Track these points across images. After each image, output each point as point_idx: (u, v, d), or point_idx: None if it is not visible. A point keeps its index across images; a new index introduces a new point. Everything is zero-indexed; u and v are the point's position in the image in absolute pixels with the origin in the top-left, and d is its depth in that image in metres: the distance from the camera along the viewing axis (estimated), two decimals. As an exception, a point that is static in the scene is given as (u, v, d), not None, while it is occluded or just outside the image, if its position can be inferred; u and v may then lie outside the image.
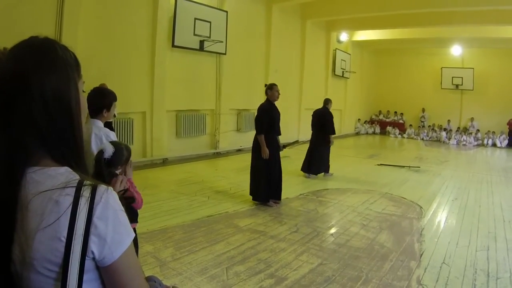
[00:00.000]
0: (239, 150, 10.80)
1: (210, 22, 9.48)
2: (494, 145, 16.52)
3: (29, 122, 0.79)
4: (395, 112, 20.37)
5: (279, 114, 5.76)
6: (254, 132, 5.68)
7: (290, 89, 13.09)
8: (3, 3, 5.80)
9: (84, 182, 0.79)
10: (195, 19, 9.16)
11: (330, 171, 8.05)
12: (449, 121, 18.37)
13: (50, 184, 0.78)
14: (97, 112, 2.67)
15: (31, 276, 0.76)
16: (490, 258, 3.98)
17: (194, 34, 9.20)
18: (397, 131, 19.25)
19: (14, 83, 0.78)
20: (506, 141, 16.36)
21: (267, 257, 3.80)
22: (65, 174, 0.81)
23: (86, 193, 0.77)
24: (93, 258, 0.78)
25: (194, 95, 9.73)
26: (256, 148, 5.63)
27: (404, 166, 9.52)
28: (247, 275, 3.38)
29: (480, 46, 16.90)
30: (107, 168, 2.18)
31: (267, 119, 5.54)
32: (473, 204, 6.23)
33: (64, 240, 0.75)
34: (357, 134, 19.33)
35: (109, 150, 2.16)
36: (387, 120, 20.40)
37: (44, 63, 0.81)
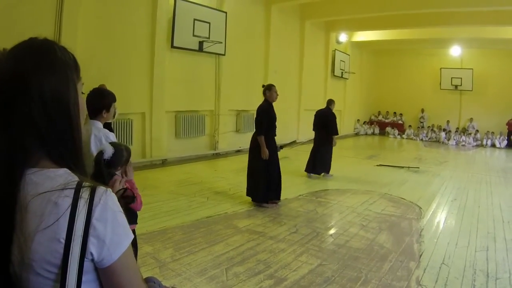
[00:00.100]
0: (238, 151, 10.80)
1: (209, 23, 9.48)
2: (493, 145, 16.53)
3: (28, 122, 0.79)
4: (394, 113, 20.38)
5: (276, 115, 5.78)
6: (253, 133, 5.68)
7: (289, 89, 13.09)
8: (3, 3, 5.80)
9: (83, 183, 0.79)
10: (194, 20, 9.16)
11: (330, 172, 8.06)
12: (448, 121, 18.39)
13: (49, 185, 0.78)
14: (97, 113, 2.67)
15: (30, 277, 0.76)
16: (489, 258, 3.98)
17: (193, 35, 9.20)
18: (396, 131, 19.26)
19: (13, 83, 0.78)
20: (505, 142, 16.38)
21: (267, 257, 3.80)
22: (64, 176, 0.81)
23: (85, 194, 0.78)
24: (92, 260, 0.78)
25: (194, 96, 9.73)
26: (254, 149, 5.62)
27: (403, 167, 9.53)
28: (246, 275, 3.38)
29: (479, 47, 16.91)
30: (107, 169, 2.18)
31: (267, 120, 5.55)
32: (472, 205, 6.24)
33: (63, 241, 0.75)
34: (356, 134, 19.34)
35: (109, 151, 2.16)
36: (387, 120, 20.41)
37: (43, 64, 0.81)
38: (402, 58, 19.80)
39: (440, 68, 18.67)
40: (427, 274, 3.53)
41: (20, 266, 0.76)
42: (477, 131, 17.32)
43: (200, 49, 9.42)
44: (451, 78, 18.38)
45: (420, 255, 3.99)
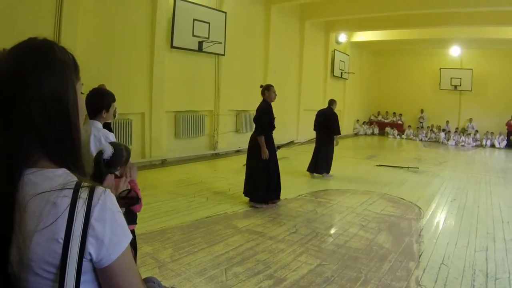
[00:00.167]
0: (238, 151, 10.79)
1: (209, 23, 9.48)
2: (492, 146, 16.54)
3: (28, 122, 0.79)
4: (394, 113, 20.39)
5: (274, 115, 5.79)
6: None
7: (289, 90, 13.10)
8: (3, 3, 5.80)
9: (82, 184, 0.80)
10: (194, 20, 9.16)
11: (330, 172, 8.05)
12: (447, 122, 18.40)
13: (47, 185, 0.78)
14: (96, 113, 2.67)
15: (29, 278, 0.76)
16: (489, 258, 3.99)
17: (193, 35, 9.20)
18: (396, 132, 19.27)
19: (13, 83, 0.79)
20: (504, 142, 16.39)
21: (266, 258, 3.80)
22: (62, 176, 0.81)
23: (83, 194, 0.78)
24: (91, 260, 0.78)
25: (193, 96, 9.73)
26: (253, 149, 5.61)
27: (402, 167, 9.53)
28: (246, 276, 3.38)
29: (479, 47, 16.92)
30: (107, 169, 2.17)
31: (267, 120, 5.55)
32: (471, 205, 6.24)
33: (62, 241, 0.75)
34: (356, 135, 19.34)
35: (108, 151, 2.16)
36: (386, 121, 20.42)
37: (43, 64, 0.81)
38: (401, 58, 19.81)
39: (440, 68, 18.68)
40: (427, 274, 3.53)
41: (18, 266, 0.76)
42: (477, 131, 17.33)
43: (200, 49, 9.41)
44: (451, 78, 18.39)
45: (420, 255, 3.99)
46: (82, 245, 0.76)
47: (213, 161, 9.75)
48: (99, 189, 0.80)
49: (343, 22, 14.86)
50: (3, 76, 0.79)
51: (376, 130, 20.02)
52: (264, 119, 5.54)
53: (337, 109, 8.50)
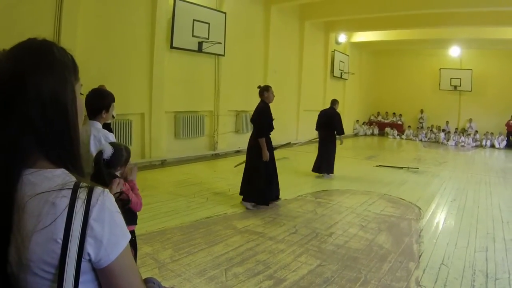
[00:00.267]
0: (237, 151, 10.79)
1: (208, 24, 9.48)
2: (492, 146, 16.54)
3: (27, 122, 0.79)
4: (394, 113, 20.39)
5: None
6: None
7: (289, 90, 13.10)
8: (3, 3, 5.80)
9: (81, 184, 0.80)
10: (194, 20, 9.16)
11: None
12: (447, 122, 18.40)
13: (46, 186, 0.78)
14: (96, 114, 2.67)
15: (28, 278, 0.76)
16: (488, 259, 3.99)
17: (193, 36, 9.20)
18: (396, 132, 19.27)
19: (12, 83, 0.79)
20: (504, 142, 16.39)
21: (266, 258, 3.80)
22: (61, 176, 0.81)
23: (82, 195, 0.78)
24: (89, 260, 0.78)
25: (193, 97, 9.73)
26: (252, 149, 5.61)
27: (402, 167, 9.53)
28: (246, 276, 3.38)
29: (478, 47, 16.93)
30: (107, 169, 2.18)
31: (267, 121, 5.55)
32: (471, 205, 6.24)
33: (61, 241, 0.75)
34: (356, 135, 19.34)
35: (108, 151, 2.16)
36: (386, 121, 20.42)
37: (42, 65, 0.81)
38: (401, 59, 19.82)
39: (440, 69, 18.68)
40: (427, 275, 3.53)
41: (17, 267, 0.76)
42: (476, 131, 17.33)
43: (200, 49, 9.41)
44: (451, 78, 18.40)
45: (420, 256, 3.99)
46: (81, 245, 0.76)
47: (213, 162, 9.75)
48: (97, 190, 0.80)
49: (342, 22, 14.87)
50: (2, 76, 0.79)
51: (376, 131, 20.02)
52: (264, 120, 5.53)
53: (337, 110, 8.52)
